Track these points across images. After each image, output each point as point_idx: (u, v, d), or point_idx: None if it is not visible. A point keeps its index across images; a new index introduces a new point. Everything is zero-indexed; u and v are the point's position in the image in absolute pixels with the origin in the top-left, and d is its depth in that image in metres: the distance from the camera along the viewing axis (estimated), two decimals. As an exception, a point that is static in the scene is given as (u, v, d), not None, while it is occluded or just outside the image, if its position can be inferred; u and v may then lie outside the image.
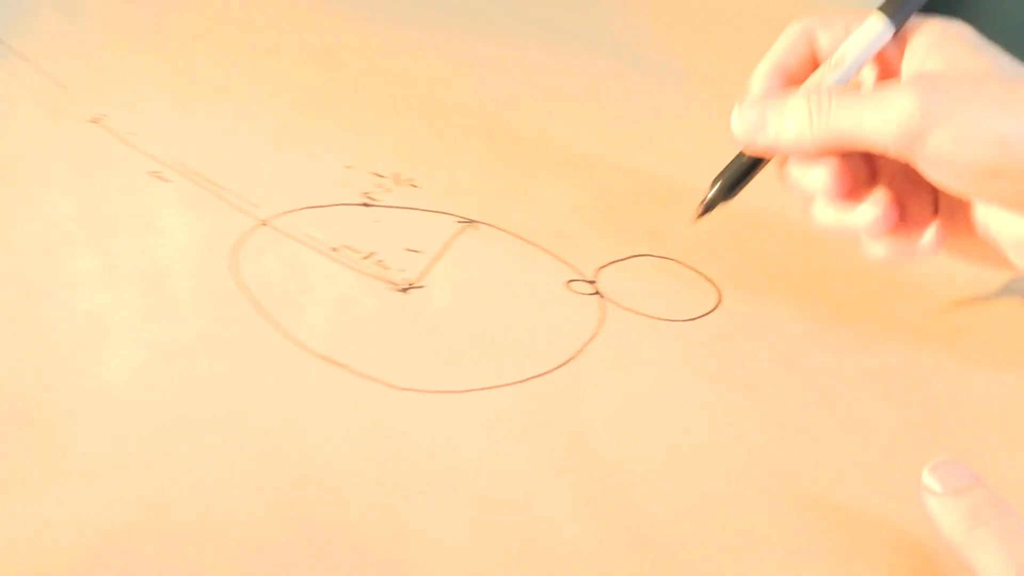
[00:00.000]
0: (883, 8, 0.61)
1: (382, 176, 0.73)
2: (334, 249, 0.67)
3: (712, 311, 0.67)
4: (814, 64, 0.63)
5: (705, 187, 0.75)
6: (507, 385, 0.60)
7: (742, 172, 0.62)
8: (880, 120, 0.56)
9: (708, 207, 0.62)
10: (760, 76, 0.63)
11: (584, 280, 0.67)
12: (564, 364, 0.62)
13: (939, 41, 0.60)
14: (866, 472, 0.58)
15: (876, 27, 0.60)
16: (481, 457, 0.56)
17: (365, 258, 0.67)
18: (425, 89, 0.82)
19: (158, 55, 0.83)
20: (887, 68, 0.62)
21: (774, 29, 0.92)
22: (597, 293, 0.67)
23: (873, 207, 0.60)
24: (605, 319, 0.65)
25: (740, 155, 0.62)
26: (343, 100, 0.80)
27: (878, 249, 0.62)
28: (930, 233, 0.61)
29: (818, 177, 0.60)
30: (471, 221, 0.71)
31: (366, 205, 0.71)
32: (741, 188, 0.62)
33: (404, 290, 0.65)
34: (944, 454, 0.59)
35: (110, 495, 0.51)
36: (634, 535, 0.54)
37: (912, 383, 0.64)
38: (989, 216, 0.60)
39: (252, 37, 0.86)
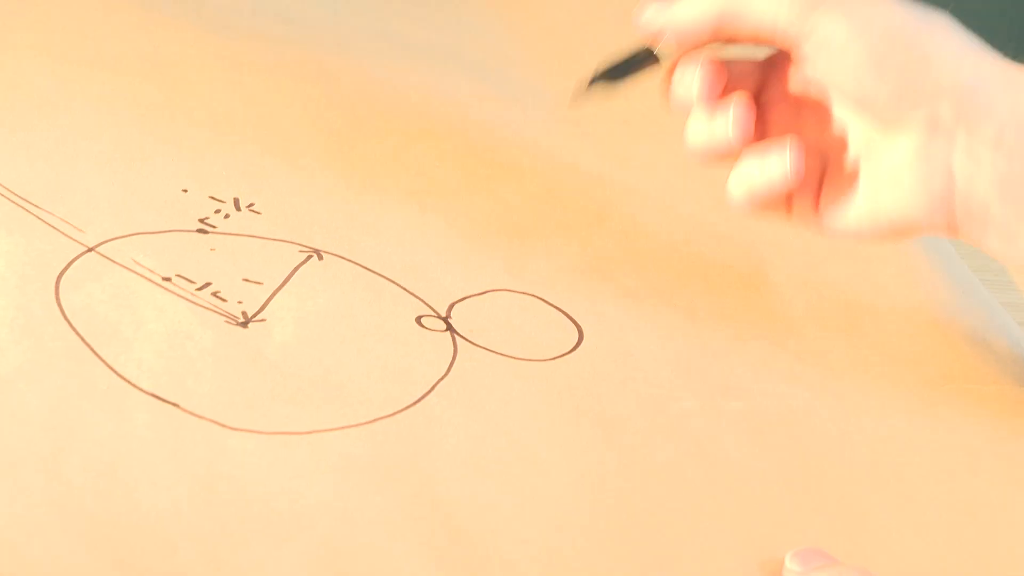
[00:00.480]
0: None
1: (220, 201, 0.74)
2: (166, 279, 0.68)
3: (572, 350, 0.68)
4: None
5: (570, 220, 0.77)
6: (352, 427, 0.61)
7: (627, 58, 0.66)
8: None
9: (591, 82, 0.66)
10: None
11: (436, 315, 0.69)
12: (412, 405, 0.63)
13: None
14: (730, 519, 0.61)
15: None
16: (322, 503, 0.57)
17: (200, 289, 0.68)
18: (271, 106, 0.83)
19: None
20: None
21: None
22: (449, 329, 0.68)
23: (734, 110, 0.64)
24: (457, 357, 0.67)
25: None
26: (180, 117, 0.80)
27: (743, 178, 0.65)
28: (791, 155, 0.65)
29: (693, 79, 0.65)
30: (316, 251, 0.72)
31: (202, 232, 0.72)
32: (629, 75, 0.66)
33: (242, 324, 0.66)
34: (813, 500, 0.62)
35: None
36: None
37: (781, 428, 0.66)
38: (882, 156, 0.63)
39: (81, 45, 0.86)
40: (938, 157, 0.62)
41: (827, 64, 0.62)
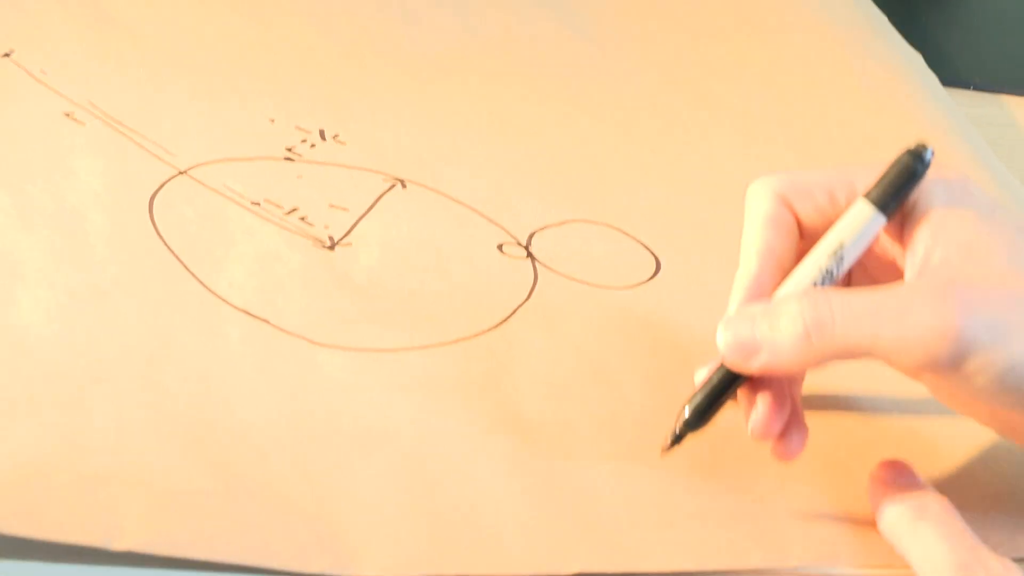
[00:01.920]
0: (871, 198, 0.57)
1: (306, 131, 0.76)
2: (255, 203, 0.70)
3: (649, 279, 0.70)
4: (799, 240, 0.60)
5: (647, 155, 0.78)
6: (435, 346, 0.63)
7: (714, 395, 0.58)
8: (899, 338, 0.54)
9: (677, 438, 0.58)
10: (751, 260, 0.59)
11: (516, 243, 0.71)
12: (495, 327, 0.65)
13: (947, 219, 0.56)
14: (809, 452, 0.62)
15: (867, 213, 0.58)
16: (407, 416, 0.59)
17: (288, 213, 0.70)
18: (356, 40, 0.84)
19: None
20: (880, 249, 0.60)
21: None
22: (530, 257, 0.70)
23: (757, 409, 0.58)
24: (537, 284, 0.68)
25: (714, 377, 0.58)
26: (267, 48, 0.82)
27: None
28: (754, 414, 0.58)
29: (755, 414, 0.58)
30: (399, 180, 0.74)
31: (289, 160, 0.73)
32: (714, 413, 0.58)
33: (329, 247, 0.68)
34: (890, 432, 0.63)
35: (22, 434, 0.53)
36: (560, 504, 0.57)
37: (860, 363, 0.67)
38: None
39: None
40: None
41: (970, 406, 0.57)
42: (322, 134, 0.76)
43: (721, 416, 0.58)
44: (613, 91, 0.84)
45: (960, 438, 0.63)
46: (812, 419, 0.60)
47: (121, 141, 0.71)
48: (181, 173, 0.70)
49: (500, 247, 0.70)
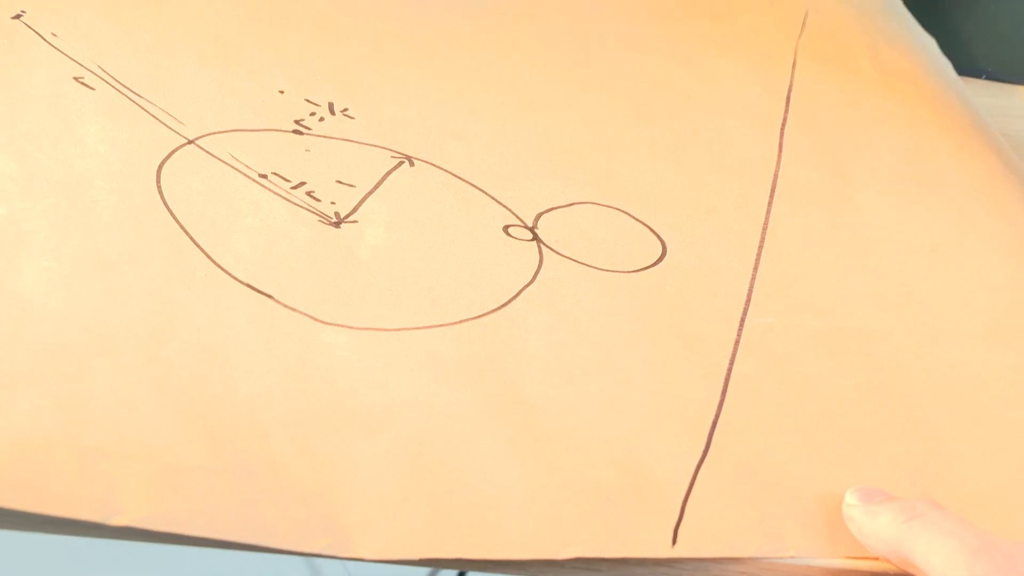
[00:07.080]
0: None
1: (316, 104, 0.76)
2: (262, 176, 0.69)
3: (655, 263, 0.70)
4: None
5: (657, 136, 0.78)
6: (439, 326, 0.63)
7: None
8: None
9: None
10: None
11: (523, 225, 0.70)
12: (499, 308, 0.65)
13: None
14: (807, 436, 0.62)
15: None
16: (409, 396, 0.59)
17: (295, 188, 0.69)
18: (367, 16, 0.84)
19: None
20: None
21: None
22: (536, 239, 0.70)
23: None
24: (543, 266, 0.68)
25: None
26: (278, 19, 0.82)
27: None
28: None
29: None
30: (407, 157, 0.73)
31: (297, 133, 0.73)
32: None
33: (335, 224, 0.68)
34: (885, 422, 0.63)
35: (24, 406, 0.53)
36: (560, 488, 0.57)
37: (861, 348, 0.67)
38: None
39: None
40: None
41: None
42: (331, 108, 0.75)
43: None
44: (622, 69, 0.84)
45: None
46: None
47: (130, 108, 0.71)
48: (189, 142, 0.70)
49: (506, 228, 0.70)
